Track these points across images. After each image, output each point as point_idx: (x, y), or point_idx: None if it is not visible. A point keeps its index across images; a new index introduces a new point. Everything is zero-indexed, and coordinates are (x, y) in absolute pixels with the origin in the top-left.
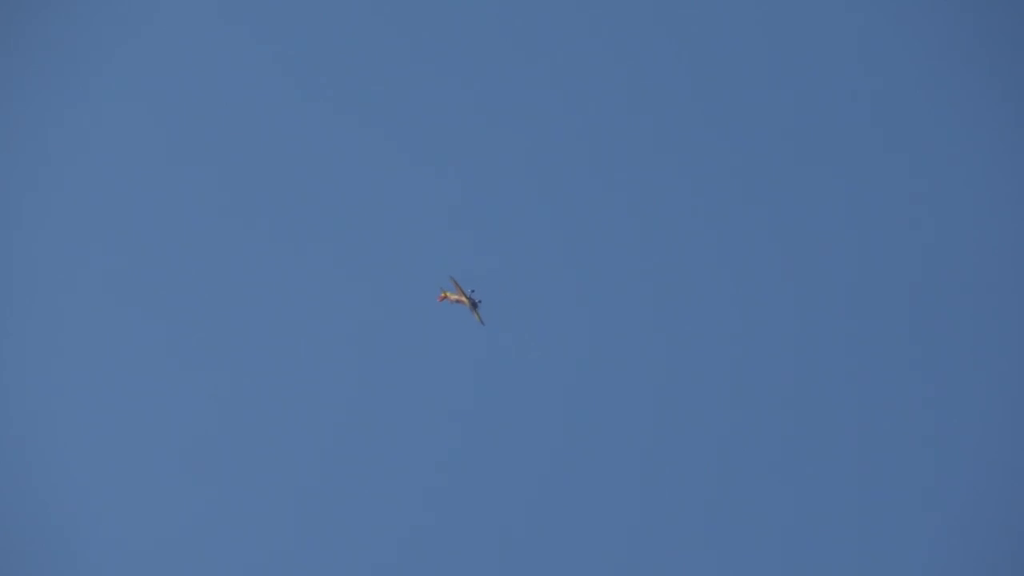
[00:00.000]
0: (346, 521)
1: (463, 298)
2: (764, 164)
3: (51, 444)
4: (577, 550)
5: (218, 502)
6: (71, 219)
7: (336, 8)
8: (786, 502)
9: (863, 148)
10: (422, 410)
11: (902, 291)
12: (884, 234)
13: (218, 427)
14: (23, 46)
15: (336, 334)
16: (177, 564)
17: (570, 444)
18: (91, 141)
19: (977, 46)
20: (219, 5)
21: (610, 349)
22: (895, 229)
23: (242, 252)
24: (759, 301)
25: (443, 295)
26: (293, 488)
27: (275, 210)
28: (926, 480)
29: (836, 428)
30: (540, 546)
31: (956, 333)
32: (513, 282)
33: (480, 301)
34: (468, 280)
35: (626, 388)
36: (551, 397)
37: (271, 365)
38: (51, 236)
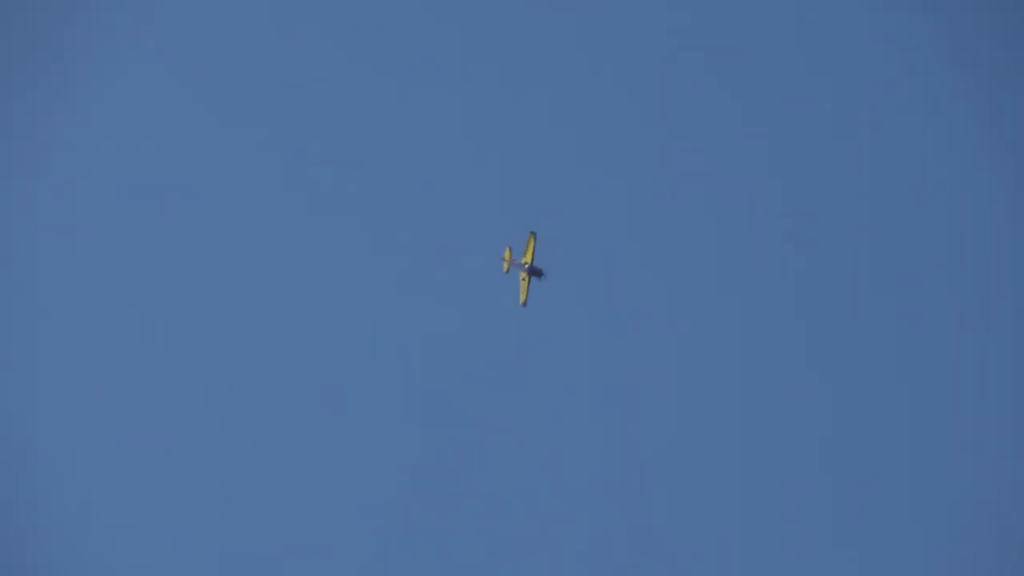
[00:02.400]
0: (350, 522)
1: (528, 258)
2: (764, 163)
3: (51, 445)
4: (581, 549)
5: (225, 505)
6: (69, 219)
7: (338, 8)
8: (789, 502)
9: (864, 148)
10: (426, 411)
11: (902, 291)
12: (883, 233)
13: (223, 429)
14: (22, 45)
15: (341, 334)
16: (178, 565)
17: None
18: (90, 140)
19: (976, 46)
20: (218, 5)
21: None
22: (895, 228)
23: (247, 250)
24: (759, 301)
25: (508, 260)
26: (298, 491)
27: (278, 210)
28: (927, 481)
29: (836, 430)
30: (543, 545)
31: (959, 333)
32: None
33: (542, 275)
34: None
35: (626, 385)
36: (555, 395)
37: (276, 366)
38: (51, 236)
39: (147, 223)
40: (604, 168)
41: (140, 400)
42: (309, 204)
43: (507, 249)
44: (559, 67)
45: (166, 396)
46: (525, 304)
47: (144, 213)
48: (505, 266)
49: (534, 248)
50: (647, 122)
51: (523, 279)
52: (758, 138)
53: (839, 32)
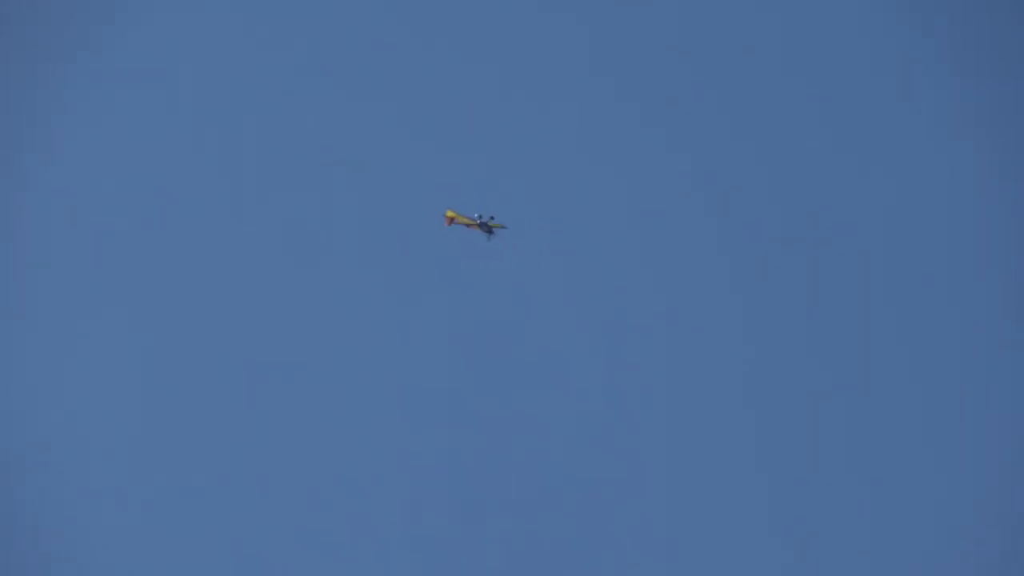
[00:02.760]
0: (354, 520)
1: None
2: (759, 162)
3: (50, 445)
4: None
5: (227, 504)
6: (66, 218)
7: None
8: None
9: (861, 148)
10: (423, 409)
11: (900, 291)
12: (881, 234)
13: (223, 428)
14: (22, 45)
15: (336, 330)
16: (177, 566)
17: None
18: (87, 140)
19: (972, 45)
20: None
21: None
22: (892, 229)
23: (244, 249)
24: (754, 300)
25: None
26: (297, 488)
27: (275, 209)
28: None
29: (826, 432)
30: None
31: (960, 334)
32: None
33: (491, 231)
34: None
35: (626, 384)
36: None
37: (275, 365)
38: (49, 235)
39: (139, 222)
40: (588, 166)
41: (138, 400)
42: (299, 201)
43: (456, 212)
44: (552, 65)
45: (162, 396)
46: (450, 226)
47: (134, 212)
48: (450, 214)
49: (496, 228)
50: (642, 121)
51: (472, 223)
52: (749, 138)
53: (836, 33)
